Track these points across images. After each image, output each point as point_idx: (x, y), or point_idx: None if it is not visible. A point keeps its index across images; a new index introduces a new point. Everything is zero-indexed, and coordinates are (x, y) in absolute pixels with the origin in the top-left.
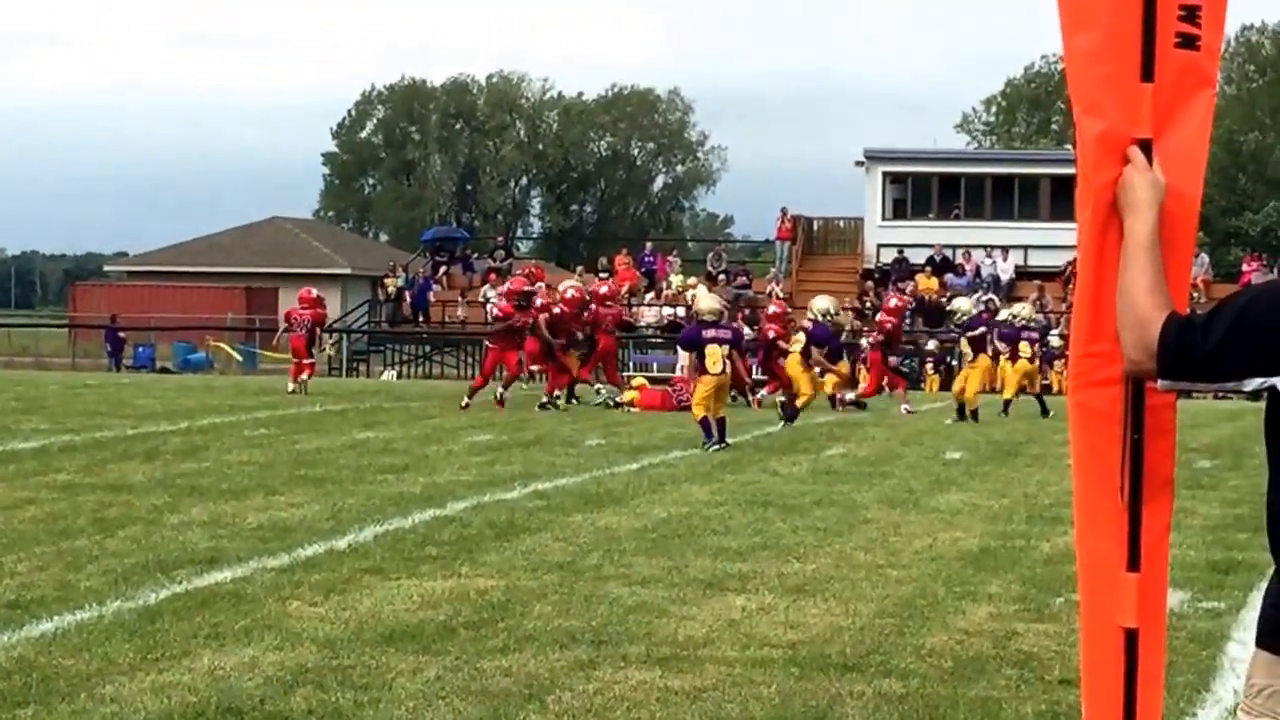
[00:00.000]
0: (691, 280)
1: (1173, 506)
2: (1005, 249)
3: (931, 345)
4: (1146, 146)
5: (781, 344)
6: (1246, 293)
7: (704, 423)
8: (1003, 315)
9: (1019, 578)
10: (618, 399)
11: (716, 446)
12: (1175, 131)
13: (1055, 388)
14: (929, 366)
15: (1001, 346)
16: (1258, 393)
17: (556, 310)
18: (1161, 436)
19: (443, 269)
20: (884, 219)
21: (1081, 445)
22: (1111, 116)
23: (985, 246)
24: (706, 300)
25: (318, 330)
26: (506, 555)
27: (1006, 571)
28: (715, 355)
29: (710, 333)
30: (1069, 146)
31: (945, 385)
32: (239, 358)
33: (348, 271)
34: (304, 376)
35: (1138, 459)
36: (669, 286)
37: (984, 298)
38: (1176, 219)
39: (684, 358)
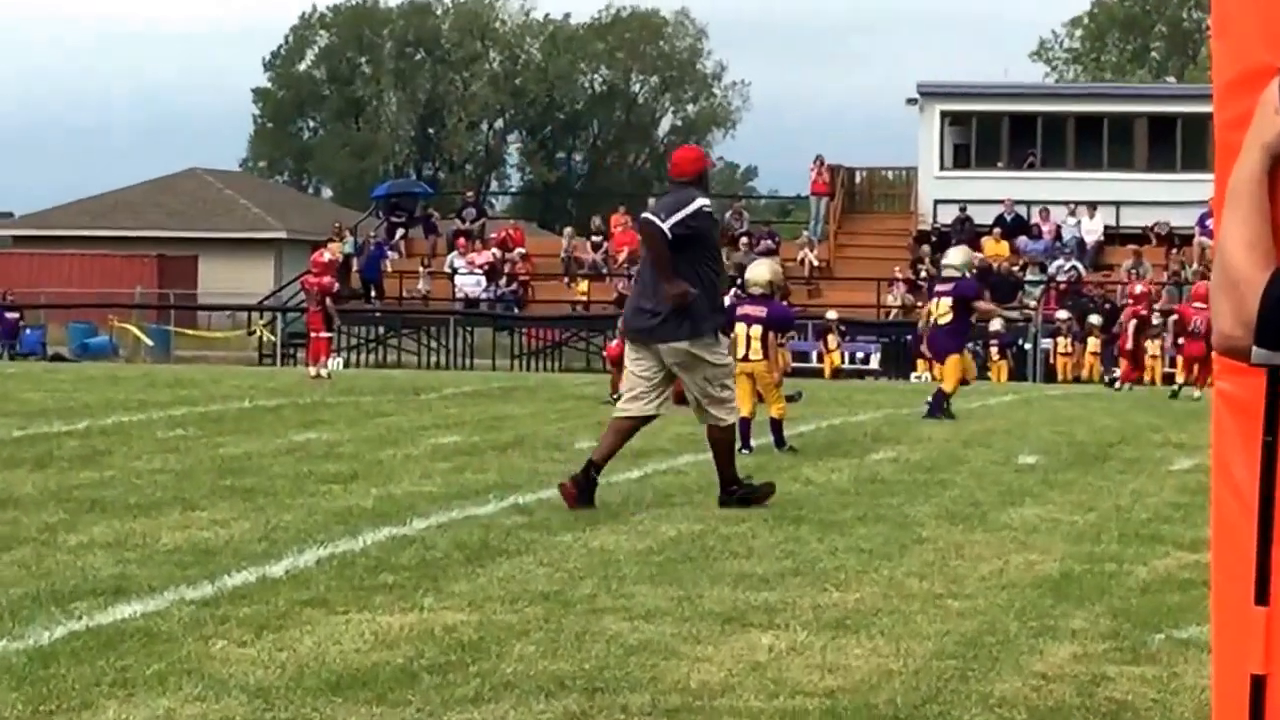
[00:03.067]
0: None
1: None
2: (1092, 205)
3: (998, 324)
4: None
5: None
6: None
7: (741, 423)
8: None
9: (1109, 610)
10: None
11: (745, 451)
12: None
13: (1151, 377)
14: (994, 350)
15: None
16: None
17: None
18: None
19: (400, 232)
20: (942, 169)
21: (1221, 444)
22: (1249, 41)
23: (1067, 203)
24: (758, 269)
25: (328, 301)
26: (479, 583)
27: (1094, 602)
28: (740, 336)
29: (745, 308)
30: (1170, 79)
31: (1017, 373)
32: (150, 341)
33: (283, 235)
34: (324, 360)
35: (1269, 464)
36: None
37: (1067, 265)
38: None
39: None
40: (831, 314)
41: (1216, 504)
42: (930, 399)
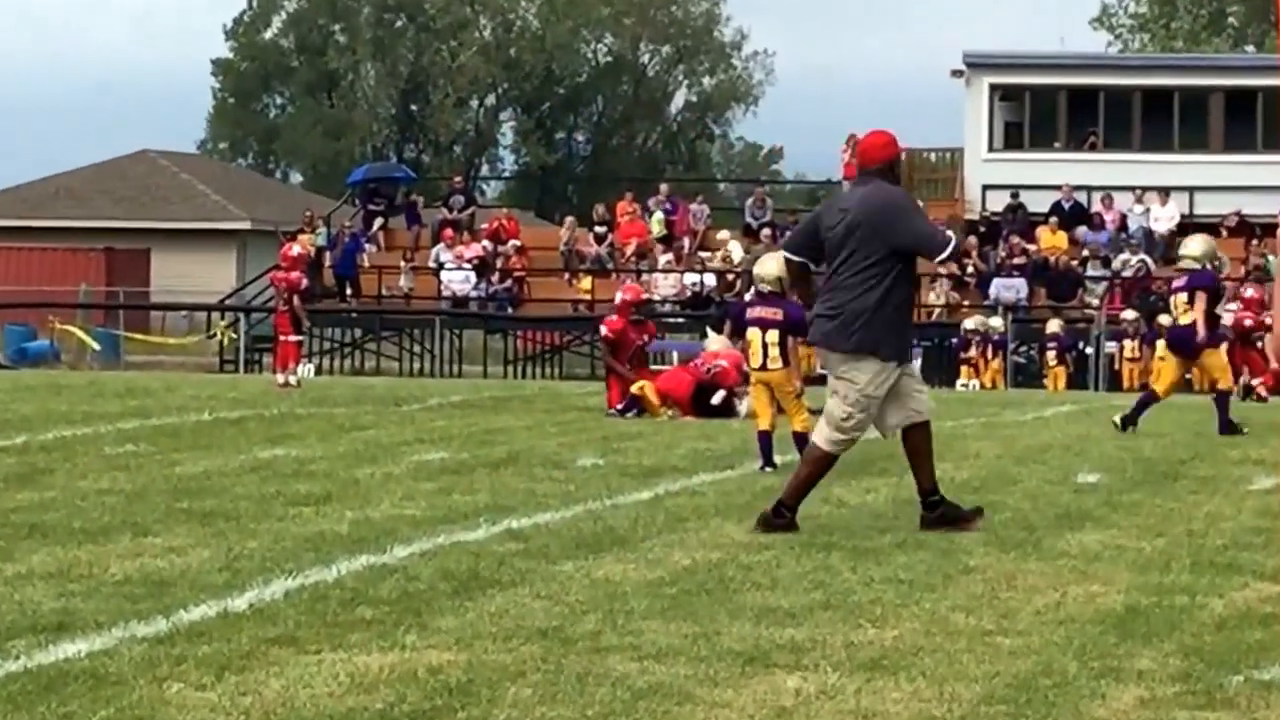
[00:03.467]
0: (723, 234)
1: None
2: (1163, 191)
3: (1055, 326)
4: None
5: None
6: None
7: (761, 437)
8: None
9: (1180, 648)
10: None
11: (769, 469)
12: None
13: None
14: (1051, 355)
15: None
16: None
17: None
18: None
19: (378, 222)
20: (991, 150)
21: None
22: None
23: (1133, 188)
24: (768, 263)
25: (295, 300)
26: (469, 619)
27: (1163, 640)
28: (754, 343)
29: (757, 310)
30: (1250, 48)
31: (1076, 381)
32: (96, 346)
33: (247, 226)
34: (293, 367)
35: None
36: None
37: (1134, 259)
38: None
39: (714, 340)
40: None
41: None
42: (1217, 411)
